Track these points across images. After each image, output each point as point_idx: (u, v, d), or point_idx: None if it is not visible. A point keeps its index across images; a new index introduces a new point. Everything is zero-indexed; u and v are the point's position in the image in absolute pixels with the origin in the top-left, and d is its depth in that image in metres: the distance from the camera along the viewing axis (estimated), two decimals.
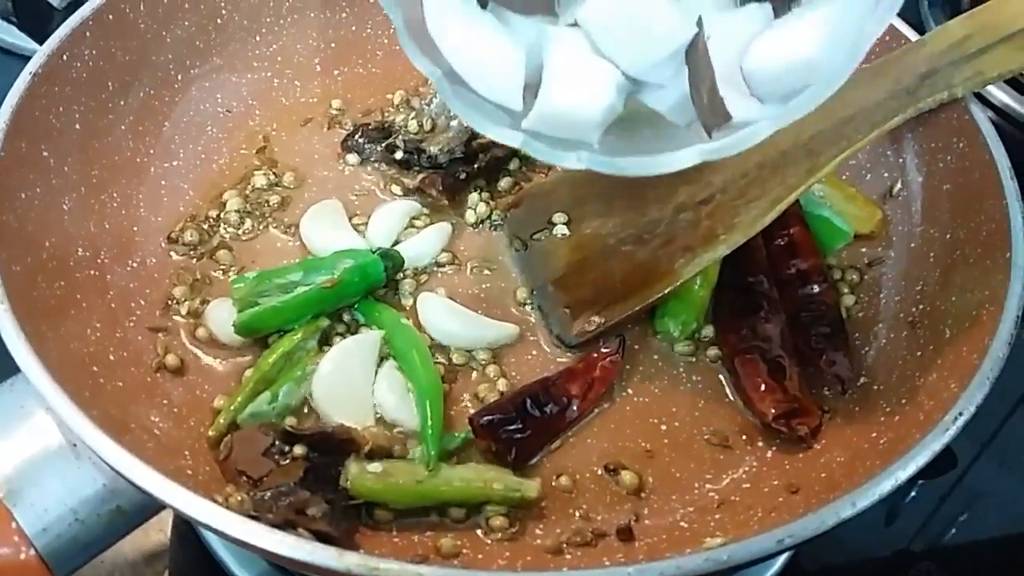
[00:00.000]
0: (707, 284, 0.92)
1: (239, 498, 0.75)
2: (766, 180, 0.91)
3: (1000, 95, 1.30)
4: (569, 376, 0.87)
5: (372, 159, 1.06)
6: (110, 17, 0.97)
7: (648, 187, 0.91)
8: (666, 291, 0.89)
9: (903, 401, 0.82)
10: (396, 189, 1.03)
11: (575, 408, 0.85)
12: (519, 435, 0.82)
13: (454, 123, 1.03)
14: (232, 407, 0.83)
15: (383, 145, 1.05)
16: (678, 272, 0.89)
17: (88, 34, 0.95)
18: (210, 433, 0.82)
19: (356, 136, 1.06)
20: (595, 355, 0.88)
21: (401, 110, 1.09)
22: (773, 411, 0.84)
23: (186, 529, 0.97)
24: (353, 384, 0.86)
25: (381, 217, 1.00)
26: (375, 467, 0.78)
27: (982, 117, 0.92)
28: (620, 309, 0.91)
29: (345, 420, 0.83)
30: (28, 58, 0.91)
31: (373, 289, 0.92)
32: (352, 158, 1.06)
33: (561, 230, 0.97)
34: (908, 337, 0.89)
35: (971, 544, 1.00)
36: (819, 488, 0.78)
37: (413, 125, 1.04)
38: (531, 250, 0.98)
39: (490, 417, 0.82)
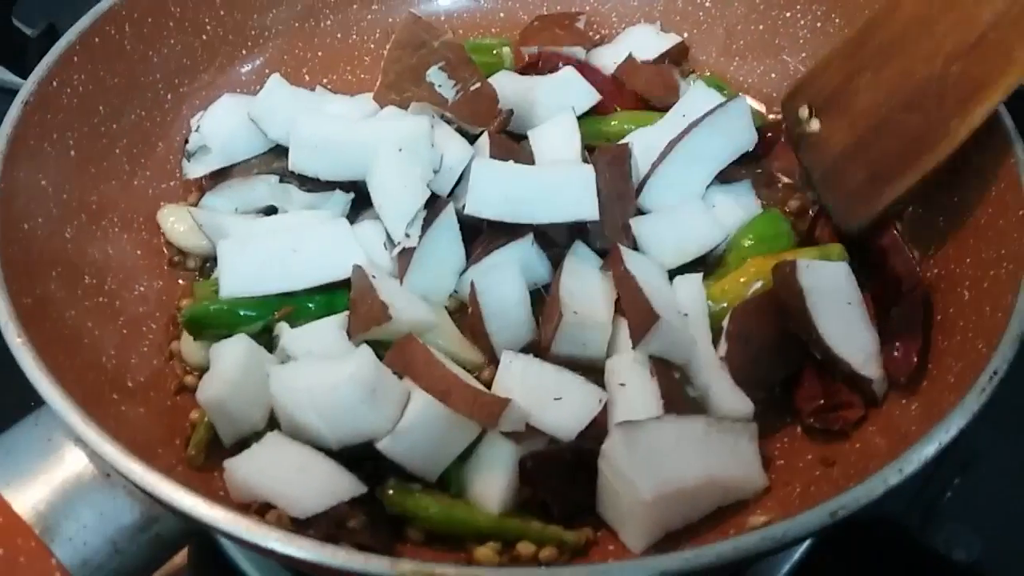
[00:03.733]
0: None
1: (276, 513, 0.73)
2: None
3: None
4: None
5: None
6: (96, 40, 0.96)
7: (914, 43, 0.87)
8: (945, 156, 0.84)
9: (929, 366, 0.82)
10: None
11: None
12: (567, 489, 0.77)
13: None
14: (207, 419, 0.80)
15: None
16: (954, 132, 0.82)
17: (76, 59, 0.94)
18: (191, 452, 0.79)
19: None
20: None
21: None
22: (808, 408, 0.83)
23: (205, 541, 0.95)
24: None
25: None
26: (415, 485, 0.77)
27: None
28: (900, 184, 0.87)
29: None
30: (4, 89, 0.89)
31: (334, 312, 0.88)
32: None
33: (813, 124, 0.96)
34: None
35: (966, 507, 0.99)
36: (855, 459, 0.78)
37: None
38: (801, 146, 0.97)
39: (540, 463, 0.77)
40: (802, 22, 1.10)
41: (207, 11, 1.07)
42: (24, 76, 0.92)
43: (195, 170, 0.99)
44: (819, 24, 1.09)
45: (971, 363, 0.75)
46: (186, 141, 1.00)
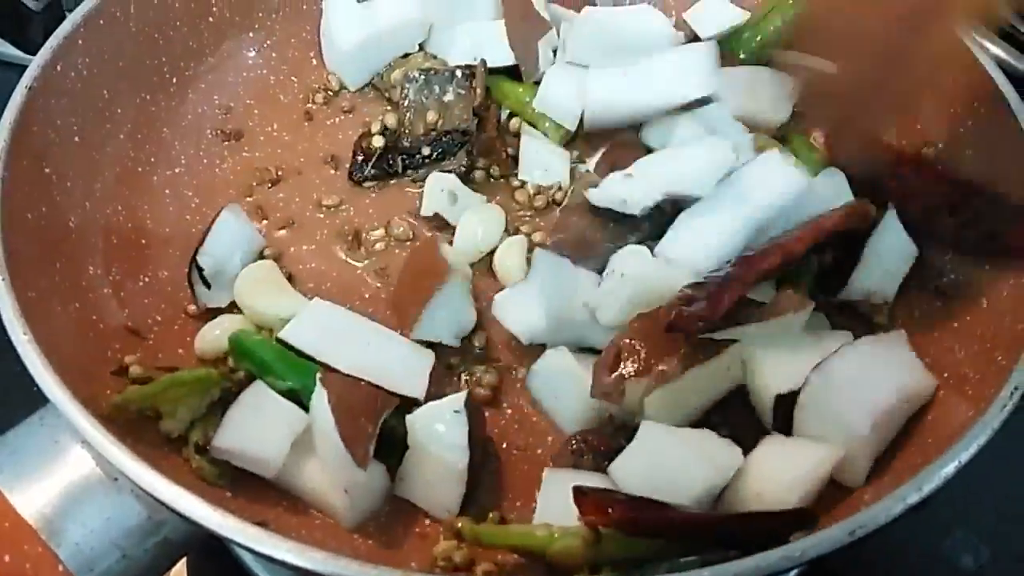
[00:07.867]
0: None
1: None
2: None
3: (995, 50, 1.28)
4: None
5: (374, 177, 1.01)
6: (101, 22, 0.94)
7: None
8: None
9: (945, 375, 0.81)
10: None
11: None
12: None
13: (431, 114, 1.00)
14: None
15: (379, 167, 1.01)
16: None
17: (80, 41, 0.91)
18: (115, 401, 0.73)
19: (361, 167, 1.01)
20: None
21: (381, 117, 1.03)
22: None
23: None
24: None
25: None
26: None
27: (1003, 80, 0.90)
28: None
29: None
30: (7, 63, 0.86)
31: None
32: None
33: None
34: (940, 308, 0.87)
35: (973, 514, 0.98)
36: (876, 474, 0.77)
37: (392, 119, 1.01)
38: None
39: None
40: None
41: None
42: (27, 50, 0.90)
43: (215, 298, 0.89)
44: None
45: (990, 376, 0.74)
46: (199, 268, 0.88)
